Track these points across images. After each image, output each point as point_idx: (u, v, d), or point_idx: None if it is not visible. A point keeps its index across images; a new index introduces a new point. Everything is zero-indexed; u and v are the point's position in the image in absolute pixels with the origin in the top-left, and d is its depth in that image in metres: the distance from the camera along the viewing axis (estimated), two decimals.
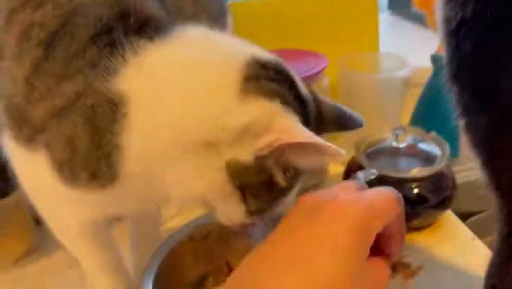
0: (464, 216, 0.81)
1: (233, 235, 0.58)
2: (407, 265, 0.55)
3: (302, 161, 0.40)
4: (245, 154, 0.39)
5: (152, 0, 0.46)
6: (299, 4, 0.87)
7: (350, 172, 0.70)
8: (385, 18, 1.41)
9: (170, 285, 0.53)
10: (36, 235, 0.71)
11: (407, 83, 0.95)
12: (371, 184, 0.67)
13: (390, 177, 0.66)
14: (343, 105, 0.84)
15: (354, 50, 0.84)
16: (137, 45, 0.40)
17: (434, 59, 0.85)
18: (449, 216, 0.71)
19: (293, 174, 0.41)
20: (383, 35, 0.99)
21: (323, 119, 0.45)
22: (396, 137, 0.68)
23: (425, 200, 0.67)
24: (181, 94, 0.39)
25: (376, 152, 0.71)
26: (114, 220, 0.65)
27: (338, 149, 0.37)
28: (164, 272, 0.53)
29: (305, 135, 0.37)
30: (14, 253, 0.69)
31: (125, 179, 0.41)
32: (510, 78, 0.34)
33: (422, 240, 0.68)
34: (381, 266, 0.36)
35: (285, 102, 0.39)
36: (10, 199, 0.65)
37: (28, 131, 0.42)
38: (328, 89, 0.76)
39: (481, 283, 0.44)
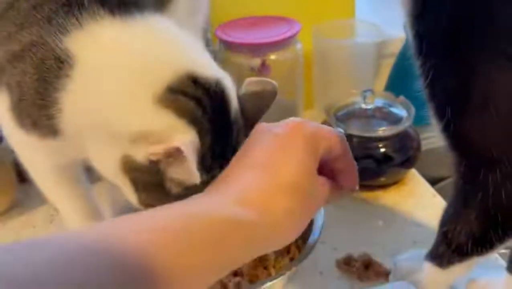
0: (434, 181, 0.85)
1: None
2: (379, 265, 0.58)
3: (183, 175, 0.42)
4: (140, 155, 0.43)
5: None
6: None
7: None
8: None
9: None
10: (19, 191, 0.74)
11: (381, 53, 0.98)
12: None
13: (357, 136, 0.69)
14: (318, 72, 0.87)
15: (330, 17, 0.86)
16: (98, 14, 0.43)
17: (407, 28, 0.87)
18: (413, 175, 0.74)
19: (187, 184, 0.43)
20: (361, 4, 1.01)
21: (247, 116, 0.48)
22: (364, 99, 0.71)
23: (391, 159, 0.71)
24: (111, 82, 0.43)
25: (346, 115, 0.74)
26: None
27: (195, 175, 0.40)
28: None
29: (185, 155, 0.39)
30: None
31: (63, 134, 0.45)
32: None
33: (388, 197, 0.71)
34: (325, 184, 0.40)
35: (193, 122, 0.42)
36: None
37: None
38: (301, 53, 0.78)
39: None
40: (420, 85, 0.42)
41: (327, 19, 0.85)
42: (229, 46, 0.75)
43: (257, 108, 0.49)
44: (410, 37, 0.41)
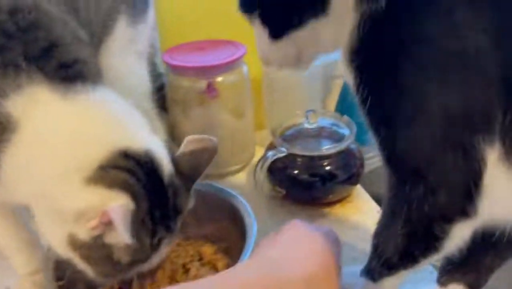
0: (381, 198, 0.87)
1: None
2: None
3: (117, 238, 0.43)
4: (82, 233, 0.43)
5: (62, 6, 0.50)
6: None
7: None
8: None
9: None
10: None
11: (333, 73, 1.01)
12: (285, 163, 0.72)
13: (301, 156, 0.71)
14: (268, 94, 0.88)
15: None
16: (36, 79, 0.43)
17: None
18: (359, 192, 0.76)
19: (134, 250, 0.44)
20: None
21: (184, 176, 0.49)
22: (308, 119, 0.73)
23: (335, 176, 0.72)
24: (48, 158, 0.43)
25: (292, 135, 0.75)
26: None
27: (129, 239, 0.41)
28: None
29: (119, 222, 0.40)
30: None
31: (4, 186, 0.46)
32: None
33: (334, 214, 0.72)
34: None
35: (125, 189, 0.43)
36: None
37: None
38: (247, 76, 0.80)
39: None
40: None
41: None
42: (176, 69, 0.77)
43: (196, 166, 0.50)
44: (346, 70, 0.44)
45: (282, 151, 0.69)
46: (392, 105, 0.41)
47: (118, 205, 0.41)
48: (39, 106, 0.44)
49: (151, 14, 0.73)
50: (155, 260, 0.48)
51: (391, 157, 0.44)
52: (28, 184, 0.45)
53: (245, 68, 0.79)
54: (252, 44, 0.82)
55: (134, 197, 0.43)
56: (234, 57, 0.76)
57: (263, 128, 0.90)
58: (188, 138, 0.51)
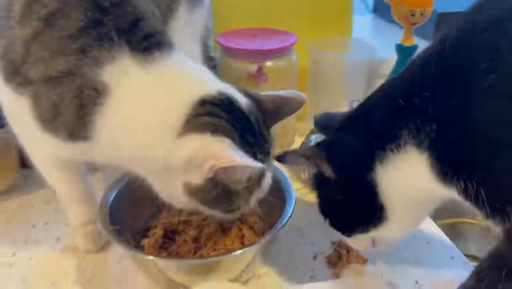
0: None
1: None
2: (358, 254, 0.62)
3: (239, 178, 0.48)
4: (195, 179, 0.48)
5: None
6: None
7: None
8: (369, 20, 1.49)
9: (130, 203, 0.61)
10: (19, 175, 0.78)
11: (373, 73, 1.02)
12: None
13: None
14: (311, 84, 0.91)
15: (329, 35, 0.91)
16: (125, 51, 0.48)
17: (398, 48, 0.92)
18: None
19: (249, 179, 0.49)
20: (365, 36, 1.06)
21: (267, 114, 0.54)
22: (352, 108, 0.75)
23: None
24: (142, 128, 0.48)
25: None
26: None
27: (256, 164, 0.46)
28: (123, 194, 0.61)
29: (230, 158, 0.45)
30: None
31: (96, 144, 0.50)
32: None
33: None
34: None
35: (216, 130, 0.47)
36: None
37: (20, 80, 0.50)
38: (296, 63, 0.83)
39: None
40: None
41: (325, 36, 0.90)
42: (229, 51, 0.80)
43: (280, 109, 0.55)
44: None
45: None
46: None
47: (219, 146, 0.46)
48: (127, 73, 0.48)
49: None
50: (265, 185, 0.53)
51: None
52: (124, 145, 0.49)
53: (294, 56, 0.82)
54: (302, 35, 0.86)
55: (224, 133, 0.47)
56: (286, 44, 0.79)
57: (304, 120, 0.92)
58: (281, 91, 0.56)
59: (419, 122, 0.43)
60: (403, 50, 0.91)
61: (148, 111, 0.48)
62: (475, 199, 0.41)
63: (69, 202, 0.63)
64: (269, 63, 0.80)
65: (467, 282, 0.48)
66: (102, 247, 0.64)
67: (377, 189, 0.48)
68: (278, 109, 0.55)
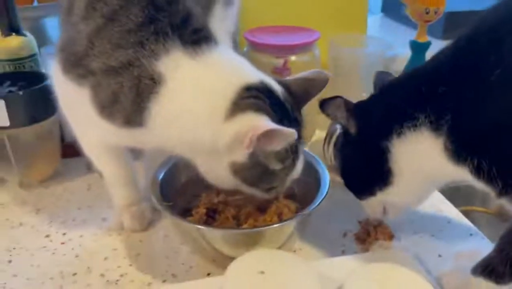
0: None
1: None
2: (386, 228, 0.67)
3: (276, 145, 0.52)
4: (240, 156, 0.53)
5: None
6: None
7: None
8: (378, 19, 1.55)
9: (174, 186, 0.66)
10: (61, 163, 0.83)
11: (388, 68, 1.08)
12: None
13: None
14: (332, 78, 0.97)
15: (346, 31, 0.97)
16: (178, 44, 0.53)
17: (412, 44, 0.98)
18: None
19: (282, 157, 0.55)
20: (375, 34, 1.12)
21: (295, 97, 0.58)
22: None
23: None
24: (192, 113, 0.52)
25: None
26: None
27: (291, 130, 0.50)
28: (168, 177, 0.66)
29: (266, 124, 0.50)
30: (41, 175, 0.80)
31: (149, 131, 0.55)
32: None
33: None
34: None
35: (258, 109, 0.52)
36: (43, 126, 0.76)
37: (81, 72, 0.55)
38: (319, 58, 0.88)
39: None
40: None
41: (343, 33, 0.96)
42: (256, 46, 0.85)
43: (307, 90, 0.60)
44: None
45: None
46: None
47: (259, 119, 0.51)
48: (179, 65, 0.52)
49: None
50: (299, 166, 0.58)
51: None
52: (176, 130, 0.53)
53: (317, 51, 0.88)
54: (324, 32, 0.91)
55: (265, 112, 0.52)
56: (310, 39, 0.84)
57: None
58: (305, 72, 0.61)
59: (436, 110, 0.49)
60: (417, 46, 0.97)
61: (198, 98, 0.53)
62: (488, 176, 0.47)
63: (115, 185, 0.68)
64: (293, 58, 0.85)
65: (490, 254, 0.53)
66: (146, 227, 0.69)
67: (389, 156, 0.54)
68: (306, 91, 0.60)
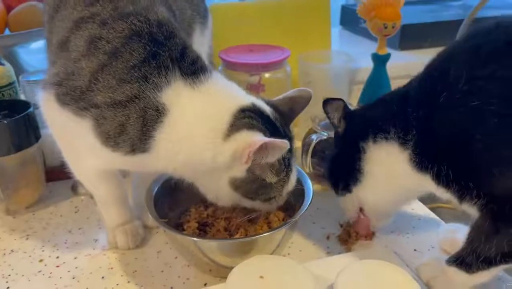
0: None
1: None
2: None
3: (272, 156, 0.57)
4: (239, 172, 0.58)
5: (162, 6, 0.62)
6: (270, 11, 1.07)
7: (306, 138, 0.87)
8: (337, 32, 1.63)
9: (165, 203, 0.69)
10: (47, 187, 0.84)
11: (353, 80, 1.15)
12: (323, 146, 0.85)
13: None
14: None
15: (311, 48, 1.03)
16: (178, 76, 0.57)
17: (374, 57, 1.05)
18: None
19: (277, 170, 0.60)
20: (336, 47, 1.19)
21: (283, 114, 0.64)
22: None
23: None
24: (193, 137, 0.56)
25: (327, 124, 0.89)
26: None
27: (283, 141, 0.55)
28: (162, 192, 0.69)
29: (260, 139, 0.54)
30: (27, 200, 0.81)
31: (152, 156, 0.58)
32: None
33: None
34: None
35: (250, 127, 0.57)
36: (27, 153, 0.78)
37: (82, 105, 0.57)
38: (290, 74, 0.94)
39: None
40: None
41: (309, 49, 1.02)
42: (231, 65, 0.90)
43: (293, 108, 0.65)
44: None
45: (324, 135, 0.83)
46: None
47: (254, 136, 0.56)
48: (180, 94, 0.56)
49: (210, 20, 0.87)
50: (293, 179, 0.63)
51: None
52: (179, 154, 0.57)
53: (288, 68, 0.93)
54: (292, 49, 0.97)
55: (258, 129, 0.57)
56: (282, 57, 0.90)
57: (297, 125, 1.03)
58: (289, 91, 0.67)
59: (404, 127, 0.58)
60: (378, 58, 1.04)
61: (199, 123, 0.57)
62: (446, 181, 0.55)
63: (109, 205, 0.70)
64: (267, 75, 0.90)
65: (462, 247, 0.59)
66: (139, 244, 0.72)
67: (363, 156, 0.62)
68: (292, 109, 0.65)
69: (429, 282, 0.62)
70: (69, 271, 0.67)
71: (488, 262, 0.55)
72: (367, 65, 1.09)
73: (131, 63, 0.55)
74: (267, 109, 0.61)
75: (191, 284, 0.64)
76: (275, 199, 0.62)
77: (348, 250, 0.70)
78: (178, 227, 0.70)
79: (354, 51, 1.23)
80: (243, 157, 0.55)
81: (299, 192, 0.68)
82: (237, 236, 0.66)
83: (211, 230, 0.68)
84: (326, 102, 0.66)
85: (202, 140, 0.56)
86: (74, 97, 0.57)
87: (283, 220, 0.68)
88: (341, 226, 0.75)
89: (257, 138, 0.55)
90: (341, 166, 0.67)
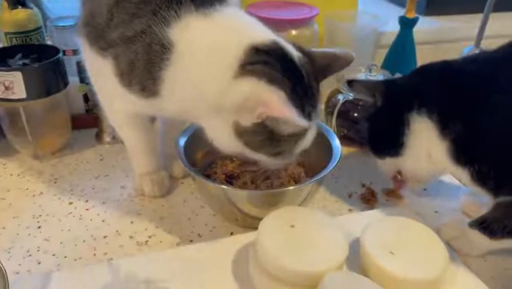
0: None
1: None
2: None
3: (286, 128, 0.53)
4: (244, 120, 0.53)
5: None
6: None
7: (330, 98, 0.88)
8: None
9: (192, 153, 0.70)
10: (72, 135, 0.85)
11: (378, 43, 1.14)
12: (347, 107, 0.85)
13: (363, 101, 0.84)
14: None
15: (339, 8, 1.02)
16: (190, 9, 0.54)
17: (401, 20, 1.03)
18: None
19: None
20: (364, 8, 1.17)
21: (317, 69, 0.58)
22: (370, 71, 0.86)
23: None
24: (200, 70, 0.54)
25: None
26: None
27: (303, 121, 0.51)
28: (189, 144, 0.69)
29: (281, 108, 0.50)
30: (53, 146, 0.82)
31: (164, 99, 0.57)
32: None
33: None
34: None
35: (271, 80, 0.51)
36: (56, 98, 0.78)
37: (103, 44, 0.57)
38: (317, 32, 0.93)
39: None
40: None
41: (336, 8, 1.01)
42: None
43: (329, 65, 0.60)
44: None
45: (350, 95, 0.83)
46: None
47: (273, 96, 0.50)
48: (190, 29, 0.54)
49: None
50: (309, 136, 0.58)
51: None
52: (187, 93, 0.55)
53: (316, 26, 0.92)
54: (321, 8, 0.96)
55: (278, 84, 0.51)
56: (310, 14, 0.89)
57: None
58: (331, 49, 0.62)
59: (447, 113, 0.57)
60: (406, 22, 1.02)
61: (205, 53, 0.53)
62: (484, 178, 0.55)
63: (138, 152, 0.71)
64: (294, 32, 0.89)
65: (488, 212, 0.60)
66: (165, 193, 0.73)
67: (407, 129, 0.61)
68: (329, 65, 0.60)
69: (449, 242, 0.63)
70: (98, 214, 0.69)
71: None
72: (394, 29, 1.08)
73: None
74: (293, 52, 0.56)
75: (217, 232, 0.66)
76: (284, 155, 0.57)
77: (371, 209, 0.71)
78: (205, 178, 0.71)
79: (381, 13, 1.21)
80: (254, 112, 0.51)
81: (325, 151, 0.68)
82: (263, 189, 0.67)
83: (237, 182, 0.69)
84: (352, 83, 0.66)
85: (208, 72, 0.53)
86: (96, 36, 0.57)
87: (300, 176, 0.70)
88: (363, 185, 0.76)
89: (277, 103, 0.50)
90: (383, 135, 0.65)
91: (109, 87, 0.61)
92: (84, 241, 0.64)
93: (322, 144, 0.69)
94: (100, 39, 0.58)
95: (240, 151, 0.58)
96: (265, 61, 0.53)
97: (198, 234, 0.65)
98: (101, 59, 0.59)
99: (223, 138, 0.57)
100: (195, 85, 0.54)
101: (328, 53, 0.61)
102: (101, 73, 0.61)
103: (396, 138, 0.62)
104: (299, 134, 0.56)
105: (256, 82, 0.51)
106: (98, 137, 0.87)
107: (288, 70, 0.53)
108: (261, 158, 0.58)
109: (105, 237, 0.64)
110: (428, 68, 0.62)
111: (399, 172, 0.67)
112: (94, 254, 0.62)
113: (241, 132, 0.54)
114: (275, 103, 0.50)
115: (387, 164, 0.67)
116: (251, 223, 0.62)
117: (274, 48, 0.54)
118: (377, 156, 0.67)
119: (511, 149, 0.53)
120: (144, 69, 0.55)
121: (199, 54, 0.54)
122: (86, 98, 0.89)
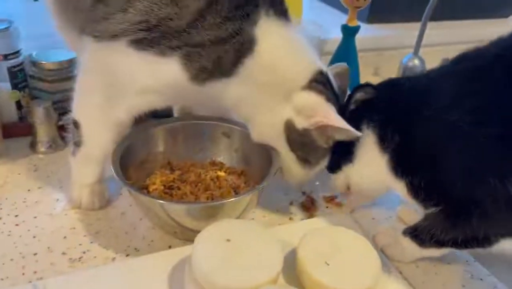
0: None
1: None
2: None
3: (337, 135, 0.64)
4: (298, 122, 0.63)
5: None
6: None
7: None
8: (308, 1, 1.62)
9: (130, 165, 0.68)
10: (3, 144, 0.81)
11: (321, 49, 1.16)
12: None
13: None
14: None
15: None
16: (270, 14, 0.61)
17: (343, 28, 1.05)
18: None
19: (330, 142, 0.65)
20: (307, 16, 1.19)
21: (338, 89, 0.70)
22: None
23: None
24: (279, 68, 0.61)
25: None
26: None
27: (356, 131, 0.60)
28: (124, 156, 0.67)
29: (339, 121, 0.61)
30: None
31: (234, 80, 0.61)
32: None
33: None
34: None
35: (328, 99, 0.64)
36: None
37: (174, 44, 0.58)
38: None
39: None
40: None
41: None
42: None
43: (342, 85, 0.70)
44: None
45: None
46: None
47: (331, 111, 0.62)
48: (271, 30, 0.61)
49: None
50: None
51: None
52: (264, 77, 0.61)
53: None
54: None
55: (331, 102, 0.64)
56: None
57: None
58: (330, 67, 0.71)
59: (386, 128, 0.61)
60: (348, 30, 1.05)
61: (287, 61, 0.62)
62: (416, 190, 0.58)
63: (91, 161, 0.68)
64: None
65: (419, 221, 0.62)
66: (103, 205, 0.71)
67: (357, 141, 0.63)
68: (340, 87, 0.69)
69: (383, 248, 0.65)
70: (29, 230, 0.65)
71: (441, 244, 0.60)
72: (337, 36, 1.10)
73: (236, 2, 0.58)
74: (334, 82, 0.67)
75: (155, 246, 0.64)
76: (309, 165, 0.66)
77: (311, 217, 0.72)
78: (143, 190, 0.69)
79: (324, 21, 1.23)
80: (310, 120, 0.62)
81: (263, 157, 0.69)
82: (203, 200, 0.66)
83: (176, 193, 0.68)
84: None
85: (283, 71, 0.62)
86: (167, 37, 0.57)
87: (240, 187, 0.70)
88: (304, 193, 0.77)
89: (336, 116, 0.61)
90: (337, 146, 0.66)
91: (127, 86, 0.61)
92: (11, 259, 0.60)
93: (263, 153, 0.69)
94: (171, 39, 0.57)
95: (275, 143, 0.66)
96: (324, 84, 0.64)
97: (135, 248, 0.64)
98: (158, 58, 0.58)
99: (269, 126, 0.66)
100: (275, 71, 0.62)
101: (337, 75, 0.70)
102: (134, 72, 0.60)
103: (349, 148, 0.64)
104: (327, 153, 0.67)
105: (318, 97, 0.63)
106: (33, 146, 0.83)
107: (334, 94, 0.66)
108: (290, 158, 0.66)
109: (35, 254, 0.61)
110: (386, 83, 0.66)
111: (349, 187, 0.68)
112: (23, 273, 0.58)
113: (290, 129, 0.64)
114: (333, 116, 0.62)
115: (340, 178, 0.67)
116: (191, 236, 0.60)
117: (327, 76, 0.66)
118: (331, 169, 0.68)
119: (436, 162, 0.56)
120: (232, 64, 0.60)
121: (279, 54, 0.62)
122: (19, 105, 0.84)
